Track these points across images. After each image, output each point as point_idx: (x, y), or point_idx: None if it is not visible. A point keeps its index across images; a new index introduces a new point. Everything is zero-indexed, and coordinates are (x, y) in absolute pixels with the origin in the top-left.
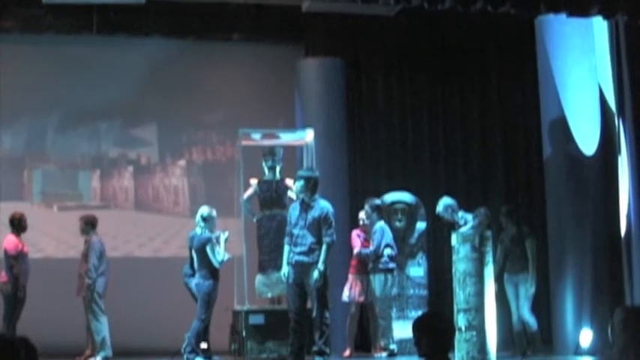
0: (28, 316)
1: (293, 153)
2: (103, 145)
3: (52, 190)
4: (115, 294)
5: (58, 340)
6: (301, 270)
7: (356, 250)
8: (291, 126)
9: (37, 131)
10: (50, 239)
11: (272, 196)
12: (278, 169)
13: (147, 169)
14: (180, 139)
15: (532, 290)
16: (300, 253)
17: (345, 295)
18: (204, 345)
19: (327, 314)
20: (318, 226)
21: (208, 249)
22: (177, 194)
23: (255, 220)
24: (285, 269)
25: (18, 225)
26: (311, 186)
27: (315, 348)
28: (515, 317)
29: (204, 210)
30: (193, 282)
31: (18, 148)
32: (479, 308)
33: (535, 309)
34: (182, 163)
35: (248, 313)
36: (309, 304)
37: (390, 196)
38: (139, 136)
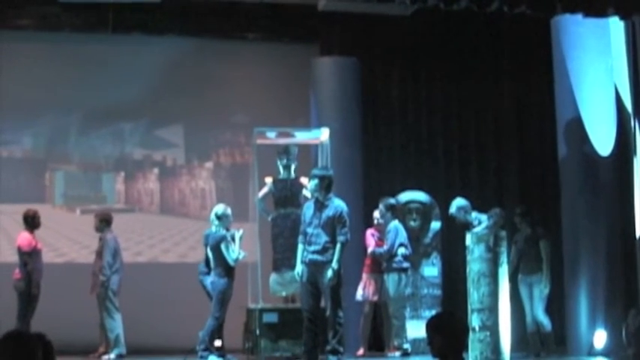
0: (43, 313)
1: (308, 152)
2: (128, 146)
3: (74, 193)
4: (137, 296)
5: (72, 337)
6: (315, 269)
7: (370, 249)
8: (307, 125)
9: (58, 132)
10: (72, 243)
11: (287, 195)
12: (293, 167)
13: (173, 172)
14: (207, 141)
15: (546, 291)
16: (314, 252)
17: (359, 295)
18: (218, 342)
19: (340, 313)
20: (332, 225)
21: (223, 247)
22: (204, 197)
23: (269, 218)
24: (299, 268)
25: (32, 222)
26: (325, 185)
27: (328, 347)
28: (529, 318)
29: (218, 208)
30: (208, 280)
31: (39, 149)
32: (493, 308)
33: (549, 310)
34: (209, 165)
35: (262, 311)
36: (322, 303)
37: (405, 196)
38: (165, 137)
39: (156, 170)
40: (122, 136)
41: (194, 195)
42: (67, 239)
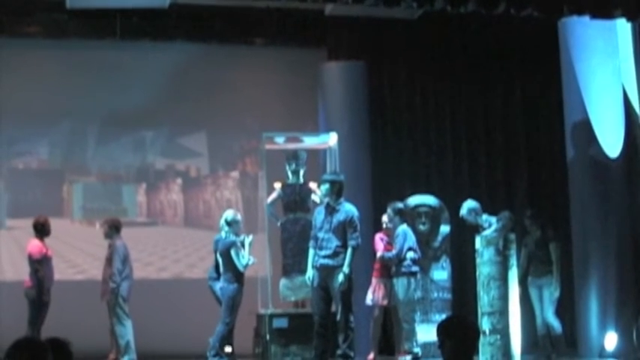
0: (55, 320)
1: (316, 156)
2: (149, 155)
3: (93, 206)
4: (159, 310)
5: (83, 344)
6: (326, 273)
7: (379, 254)
8: (315, 129)
9: (75, 141)
10: (92, 259)
11: (295, 200)
12: (301, 172)
13: (197, 182)
14: (231, 149)
15: (556, 294)
16: (325, 257)
17: (369, 299)
18: (228, 349)
19: (351, 318)
20: (343, 230)
21: (233, 253)
22: (230, 208)
23: (279, 223)
24: (310, 273)
25: (42, 229)
26: (336, 190)
27: (339, 351)
28: (539, 320)
29: (228, 214)
30: (218, 286)
31: (56, 160)
32: (503, 312)
33: (559, 312)
34: (235, 174)
35: (272, 316)
36: (333, 308)
37: (414, 200)
38: (187, 146)
39: (179, 180)
40: (143, 145)
41: (220, 206)
42: (86, 254)
